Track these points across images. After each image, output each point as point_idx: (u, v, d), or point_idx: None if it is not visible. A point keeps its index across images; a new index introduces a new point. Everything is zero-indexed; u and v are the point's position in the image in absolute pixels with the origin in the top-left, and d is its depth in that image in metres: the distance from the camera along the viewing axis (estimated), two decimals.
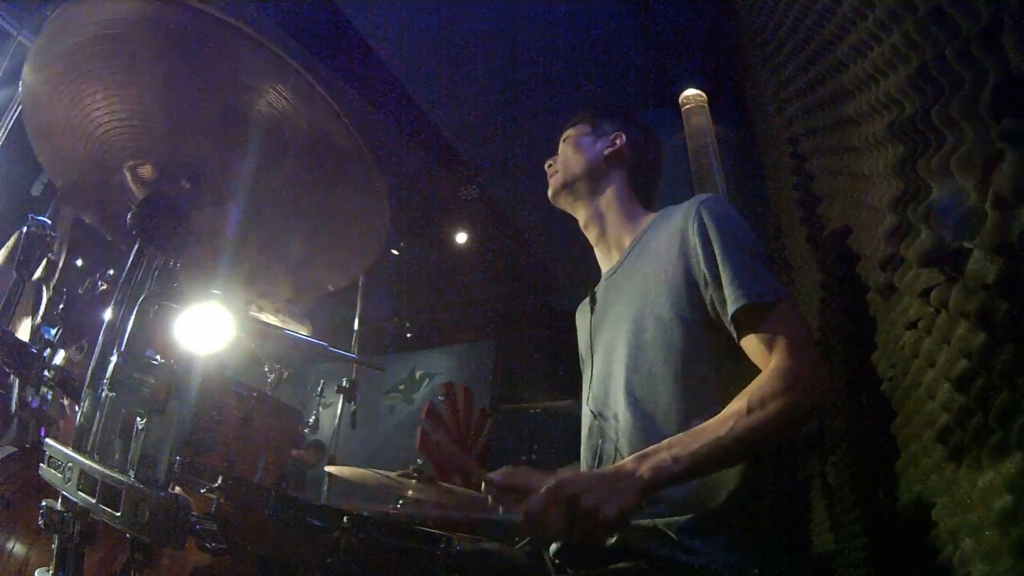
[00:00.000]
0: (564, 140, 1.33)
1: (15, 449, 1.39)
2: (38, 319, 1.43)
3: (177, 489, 0.86)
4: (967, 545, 0.66)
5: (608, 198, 1.25)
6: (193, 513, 0.71)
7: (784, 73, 1.54)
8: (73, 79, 0.76)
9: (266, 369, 2.54)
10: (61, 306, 1.42)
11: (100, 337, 0.78)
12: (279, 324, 2.39)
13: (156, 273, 0.79)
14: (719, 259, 0.96)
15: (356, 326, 2.94)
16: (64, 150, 0.87)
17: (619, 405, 1.04)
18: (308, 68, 0.72)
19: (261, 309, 2.38)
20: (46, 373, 1.34)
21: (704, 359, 0.98)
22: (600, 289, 1.25)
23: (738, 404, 0.85)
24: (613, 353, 1.11)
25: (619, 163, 1.27)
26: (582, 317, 1.31)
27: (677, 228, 1.05)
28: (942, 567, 0.72)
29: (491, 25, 3.29)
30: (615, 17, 3.18)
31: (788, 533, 1.38)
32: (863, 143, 0.97)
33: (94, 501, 0.61)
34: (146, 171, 0.84)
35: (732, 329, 0.94)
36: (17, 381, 1.40)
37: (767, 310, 0.91)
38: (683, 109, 2.81)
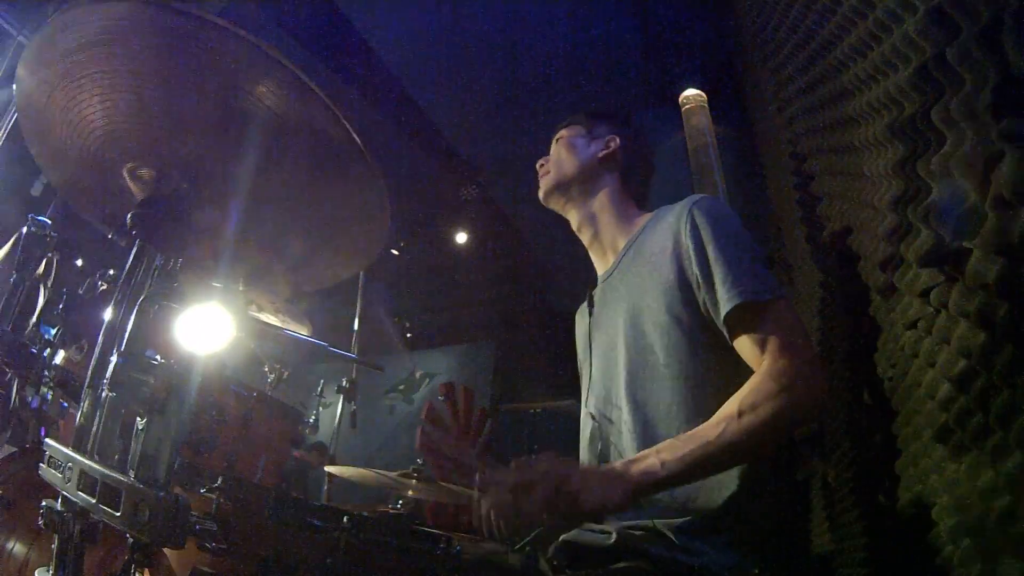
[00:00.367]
0: (557, 140, 1.32)
1: (15, 449, 1.39)
2: (33, 318, 1.43)
3: (177, 489, 0.86)
4: (967, 545, 0.66)
5: (601, 200, 1.24)
6: (193, 513, 0.72)
7: (784, 73, 1.54)
8: (70, 82, 0.76)
9: (266, 369, 2.54)
10: (61, 306, 1.42)
11: (100, 337, 0.78)
12: (279, 324, 2.39)
13: (156, 273, 0.79)
14: (711, 260, 0.96)
15: (356, 326, 2.94)
16: (61, 151, 0.87)
17: (621, 409, 1.04)
18: (308, 68, 0.72)
19: (261, 309, 2.38)
20: (46, 373, 1.35)
21: (704, 360, 0.97)
22: (597, 292, 1.24)
23: (729, 408, 0.85)
24: (612, 356, 1.10)
25: (612, 166, 1.26)
26: (580, 320, 1.31)
27: (670, 229, 1.05)
28: (942, 567, 0.72)
29: (491, 25, 3.29)
30: (615, 17, 3.18)
31: (788, 533, 1.38)
32: (863, 143, 0.97)
33: (94, 501, 0.61)
34: (145, 172, 0.84)
35: (725, 330, 0.93)
36: (17, 381, 1.40)
37: (759, 310, 0.90)
38: (683, 109, 2.82)
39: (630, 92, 3.49)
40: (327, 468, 1.97)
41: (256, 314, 2.30)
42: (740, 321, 0.91)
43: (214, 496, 0.82)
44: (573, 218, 1.28)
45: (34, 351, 1.36)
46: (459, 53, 3.45)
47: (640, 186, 1.30)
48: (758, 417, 0.82)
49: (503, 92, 3.66)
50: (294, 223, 0.96)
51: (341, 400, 2.75)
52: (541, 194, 1.29)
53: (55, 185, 0.98)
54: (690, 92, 2.81)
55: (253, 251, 0.98)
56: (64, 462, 0.66)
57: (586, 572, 0.95)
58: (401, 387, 6.13)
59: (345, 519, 0.84)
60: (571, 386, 1.37)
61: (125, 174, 0.85)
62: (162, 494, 0.58)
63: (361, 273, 2.87)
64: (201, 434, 1.46)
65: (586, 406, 1.16)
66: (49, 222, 1.47)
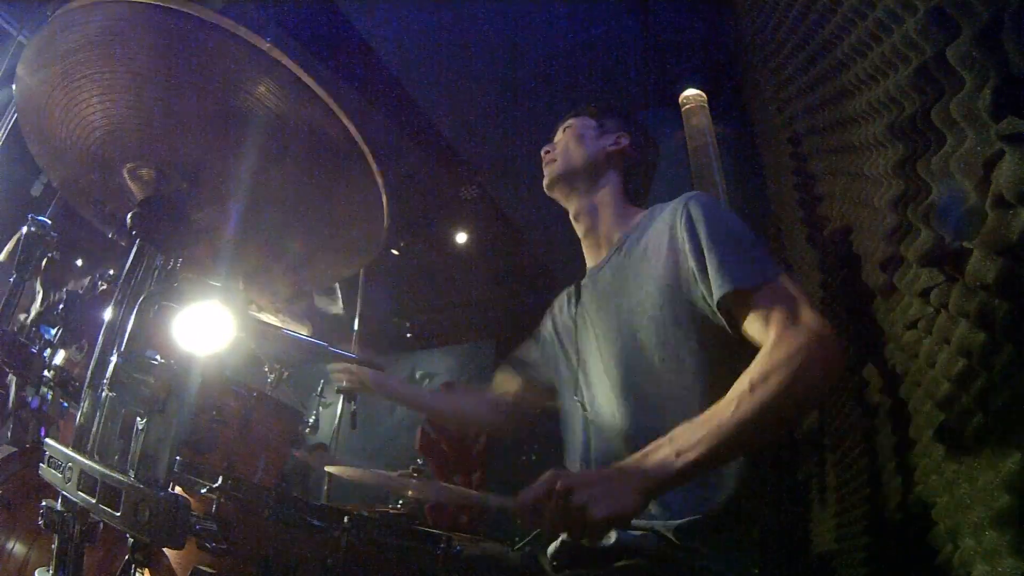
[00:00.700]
0: (565, 129, 1.31)
1: (15, 449, 1.39)
2: (31, 318, 1.43)
3: (177, 489, 0.86)
4: (967, 545, 0.66)
5: (603, 195, 1.24)
6: (193, 513, 0.71)
7: (784, 73, 1.54)
8: (70, 81, 0.76)
9: (266, 369, 2.54)
10: (61, 306, 1.42)
11: (100, 337, 0.78)
12: (279, 324, 2.39)
13: (156, 273, 0.79)
14: (706, 251, 0.95)
15: (356, 326, 2.94)
16: (61, 150, 0.87)
17: (615, 403, 1.04)
18: (308, 68, 0.72)
19: (261, 309, 2.38)
20: (46, 373, 1.35)
21: (699, 355, 0.97)
22: (586, 284, 1.24)
23: (740, 385, 0.80)
24: (605, 350, 1.10)
25: (619, 163, 1.26)
26: (561, 310, 1.31)
27: (666, 225, 1.05)
28: (942, 567, 0.72)
29: (491, 25, 3.29)
30: (615, 17, 3.18)
31: (788, 533, 1.38)
32: (863, 143, 0.97)
33: (94, 501, 0.61)
34: (145, 172, 0.84)
35: (724, 320, 0.92)
36: (17, 381, 1.40)
37: (757, 292, 0.89)
38: (683, 109, 2.81)
39: (630, 92, 3.48)
40: (327, 468, 1.97)
41: (256, 314, 2.30)
42: (739, 306, 0.90)
43: (214, 496, 0.82)
44: (572, 207, 1.28)
45: (34, 351, 1.36)
46: (459, 53, 3.45)
47: (641, 186, 1.30)
48: (771, 388, 0.78)
49: (503, 92, 3.66)
50: (294, 223, 0.96)
51: (341, 400, 2.75)
52: (546, 182, 1.29)
53: (55, 184, 0.98)
54: (690, 92, 2.81)
55: (253, 251, 0.98)
56: (64, 462, 0.66)
57: (586, 571, 0.95)
58: None
59: (345, 519, 0.84)
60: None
61: (125, 174, 0.85)
62: (162, 494, 0.58)
63: (361, 273, 2.87)
64: (201, 434, 1.46)
65: (575, 396, 1.15)
66: (49, 222, 1.47)
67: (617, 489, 0.75)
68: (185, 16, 0.68)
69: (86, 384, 0.74)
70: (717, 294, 0.90)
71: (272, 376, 2.52)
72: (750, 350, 0.95)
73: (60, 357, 1.42)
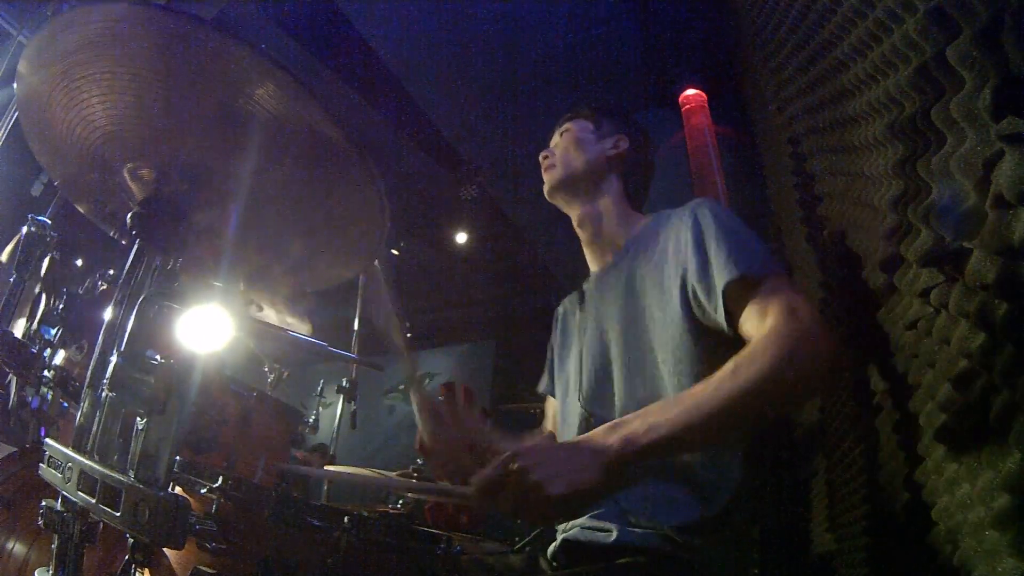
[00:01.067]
0: (563, 133, 1.30)
1: (15, 449, 1.39)
2: (36, 320, 1.43)
3: (177, 489, 0.87)
4: (967, 545, 0.66)
5: (606, 200, 1.24)
6: (193, 513, 0.72)
7: (784, 73, 1.54)
8: (70, 82, 0.76)
9: (266, 369, 2.54)
10: (61, 306, 1.42)
11: (100, 337, 0.78)
12: (279, 324, 2.39)
13: (156, 273, 0.79)
14: (708, 247, 0.95)
15: (356, 326, 2.94)
16: (62, 150, 0.87)
17: (616, 406, 1.04)
18: (308, 68, 0.72)
19: (261, 309, 2.38)
20: (46, 373, 1.35)
21: (702, 361, 0.97)
22: (590, 288, 1.24)
23: (725, 366, 0.79)
24: (608, 353, 1.10)
25: (619, 166, 1.25)
26: (567, 313, 1.31)
27: (673, 231, 1.05)
28: (942, 567, 0.72)
29: (491, 25, 3.29)
30: (615, 17, 3.18)
31: (788, 533, 1.38)
32: (863, 143, 0.97)
33: (94, 501, 0.61)
34: (145, 172, 0.84)
35: (723, 318, 0.91)
36: (17, 381, 1.40)
37: (756, 283, 0.88)
38: (683, 109, 2.82)
39: (630, 92, 3.49)
40: (327, 468, 1.98)
41: (256, 314, 2.30)
42: (742, 295, 0.89)
43: (214, 496, 0.82)
44: (575, 214, 1.26)
45: (34, 351, 1.36)
46: (459, 53, 3.45)
47: (641, 188, 1.30)
48: (754, 372, 0.75)
49: (503, 92, 3.66)
50: (294, 224, 0.96)
51: (341, 400, 2.75)
52: (547, 189, 1.27)
53: (56, 183, 0.98)
54: (690, 92, 2.81)
55: (253, 251, 0.98)
56: (64, 462, 0.66)
57: (586, 569, 0.95)
58: (401, 387, 6.13)
59: (345, 519, 0.84)
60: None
61: (126, 174, 0.85)
62: (162, 494, 0.58)
63: (361, 273, 2.87)
64: (201, 434, 1.46)
65: (577, 400, 1.15)
66: (49, 222, 1.47)
67: (577, 464, 0.70)
68: (184, 17, 0.68)
69: (86, 384, 0.74)
70: (722, 281, 0.89)
71: (272, 376, 2.52)
72: None
73: (60, 357, 1.42)
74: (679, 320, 0.99)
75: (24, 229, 1.44)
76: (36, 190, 2.96)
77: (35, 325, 1.41)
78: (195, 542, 0.77)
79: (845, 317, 1.18)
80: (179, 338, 0.72)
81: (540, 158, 1.30)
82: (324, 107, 0.75)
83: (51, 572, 0.68)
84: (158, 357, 0.69)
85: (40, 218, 1.46)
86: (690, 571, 0.88)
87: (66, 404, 1.46)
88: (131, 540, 0.65)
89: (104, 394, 0.68)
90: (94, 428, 0.70)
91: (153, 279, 0.79)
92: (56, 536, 0.68)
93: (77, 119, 0.81)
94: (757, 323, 0.86)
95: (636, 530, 0.92)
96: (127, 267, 0.79)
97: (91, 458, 0.66)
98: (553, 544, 1.03)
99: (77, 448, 0.69)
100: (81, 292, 1.52)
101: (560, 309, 1.35)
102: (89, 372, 0.75)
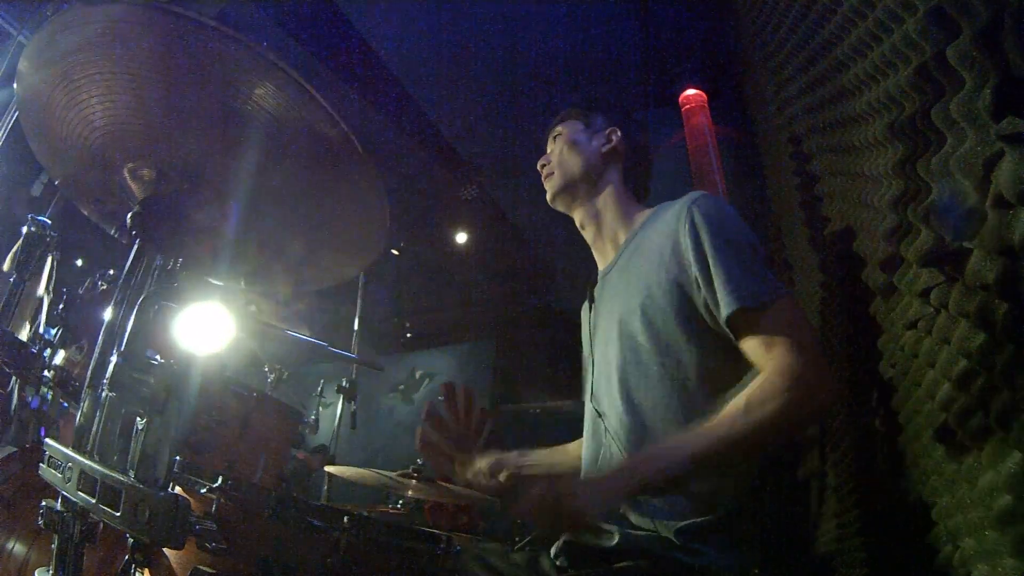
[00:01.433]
0: (555, 138, 1.29)
1: (15, 449, 1.39)
2: (36, 320, 1.43)
3: (177, 489, 0.87)
4: (967, 545, 0.66)
5: (605, 197, 1.23)
6: (193, 513, 0.71)
7: (784, 73, 1.54)
8: (70, 82, 0.76)
9: (266, 369, 2.54)
10: (61, 306, 1.42)
11: (100, 337, 0.78)
12: (279, 324, 2.39)
13: (156, 273, 0.79)
14: (711, 261, 0.94)
15: (356, 326, 2.94)
16: (62, 150, 0.87)
17: (615, 405, 1.04)
18: (308, 68, 0.72)
19: (261, 309, 2.38)
20: (46, 373, 1.35)
21: (698, 360, 0.97)
22: (597, 288, 1.24)
23: (736, 404, 0.83)
24: (609, 353, 1.10)
25: (616, 159, 1.24)
26: (585, 315, 1.31)
27: (670, 228, 1.04)
28: (942, 567, 0.72)
29: (491, 25, 3.29)
30: (615, 17, 3.18)
31: (788, 533, 1.38)
32: (863, 143, 0.97)
33: (94, 501, 0.61)
34: (146, 172, 0.84)
35: (729, 332, 0.92)
36: (17, 381, 1.40)
37: (762, 311, 0.89)
38: (683, 109, 2.82)
39: (630, 92, 3.48)
40: (327, 468, 1.97)
41: (256, 314, 2.30)
42: (743, 323, 0.90)
43: (214, 496, 0.82)
44: (577, 216, 1.26)
45: (34, 351, 1.36)
46: (459, 53, 3.45)
47: (642, 179, 1.28)
48: (766, 413, 0.81)
49: (503, 92, 3.66)
50: (294, 223, 0.96)
51: (341, 400, 2.75)
52: (548, 197, 1.27)
53: (56, 182, 0.98)
54: (690, 92, 2.81)
55: (253, 251, 0.98)
56: (64, 462, 0.66)
57: (588, 572, 0.95)
58: (401, 387, 6.13)
59: (345, 519, 0.84)
60: (571, 386, 1.37)
61: (126, 174, 0.85)
62: (162, 494, 0.58)
63: (361, 273, 2.87)
64: (201, 434, 1.46)
65: (590, 400, 1.16)
66: (49, 222, 1.47)
67: (604, 491, 0.82)
68: (184, 17, 0.68)
69: (86, 384, 0.74)
70: (724, 312, 0.91)
71: (272, 376, 2.52)
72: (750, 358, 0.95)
73: (60, 357, 1.42)
74: (676, 322, 0.98)
75: (24, 229, 1.44)
76: (36, 190, 2.96)
77: (35, 325, 1.41)
78: (195, 542, 0.77)
79: (845, 317, 1.18)
80: (179, 338, 0.72)
81: (538, 167, 1.29)
82: (324, 107, 0.75)
83: (51, 572, 0.68)
84: (158, 357, 0.69)
85: (40, 218, 1.46)
86: (690, 573, 0.88)
87: (66, 404, 1.46)
88: (131, 540, 0.65)
89: (104, 394, 0.68)
90: (94, 428, 0.70)
91: (153, 279, 0.79)
92: (56, 536, 0.68)
93: (77, 119, 0.81)
94: (761, 352, 0.88)
95: (638, 533, 0.92)
96: (127, 267, 0.79)
97: (91, 458, 0.66)
98: (555, 544, 1.03)
99: (77, 448, 0.69)
100: (81, 292, 1.52)
101: (582, 311, 1.35)
102: (89, 372, 0.75)
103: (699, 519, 0.90)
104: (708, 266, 0.95)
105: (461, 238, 4.95)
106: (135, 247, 0.80)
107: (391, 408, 6.07)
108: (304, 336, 2.13)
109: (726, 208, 1.03)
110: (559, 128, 1.30)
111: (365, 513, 0.89)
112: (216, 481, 0.83)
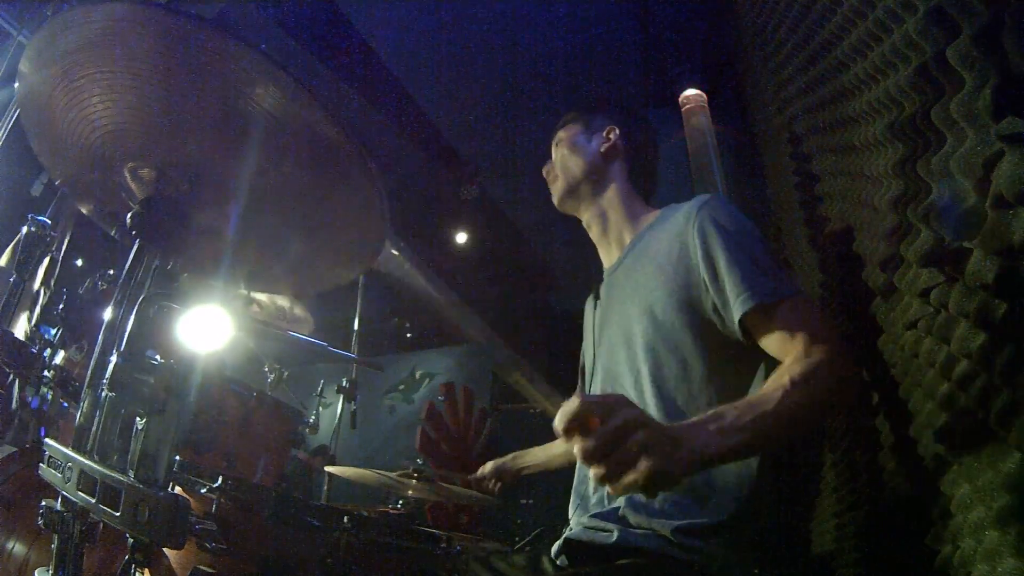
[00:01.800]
0: (557, 144, 1.31)
1: (15, 449, 1.39)
2: (35, 320, 1.43)
3: (177, 489, 0.87)
4: (967, 545, 0.66)
5: (610, 195, 1.24)
6: (193, 513, 0.72)
7: (784, 73, 1.54)
8: (70, 81, 0.76)
9: (266, 369, 2.54)
10: (61, 306, 1.42)
11: (100, 337, 0.78)
12: (279, 324, 2.39)
13: (156, 273, 0.79)
14: (722, 263, 0.95)
15: (356, 326, 2.94)
16: (63, 149, 0.87)
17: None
18: (308, 68, 0.72)
19: (261, 309, 2.38)
20: (46, 373, 1.35)
21: (703, 363, 0.97)
22: (602, 286, 1.24)
23: (780, 380, 0.80)
24: (616, 354, 1.10)
25: (617, 157, 1.25)
26: (588, 312, 1.31)
27: (678, 230, 1.04)
28: (942, 567, 0.72)
29: (491, 25, 3.29)
30: (615, 17, 3.18)
31: (788, 533, 1.38)
32: (863, 143, 0.97)
33: (94, 501, 0.61)
34: (146, 172, 0.84)
35: (740, 333, 0.92)
36: (17, 381, 1.40)
37: (780, 306, 0.89)
38: (683, 109, 2.82)
39: (630, 92, 3.49)
40: (327, 468, 1.98)
41: (256, 314, 2.30)
42: (762, 320, 0.90)
43: (214, 496, 0.82)
44: (584, 217, 1.27)
45: (34, 351, 1.36)
46: (459, 53, 3.45)
47: (646, 175, 1.28)
48: (809, 389, 0.79)
49: (503, 92, 3.66)
50: (294, 224, 0.96)
51: (341, 400, 2.75)
52: (555, 202, 1.29)
53: (57, 182, 0.98)
54: (690, 92, 2.82)
55: (253, 252, 0.98)
56: (64, 462, 0.66)
57: (587, 570, 0.95)
58: (401, 387, 6.13)
59: (345, 519, 0.84)
60: (571, 386, 1.37)
61: (126, 174, 0.85)
62: (162, 494, 0.58)
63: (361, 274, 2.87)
64: (201, 434, 1.46)
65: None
66: (49, 222, 1.47)
67: (678, 449, 0.66)
68: (184, 17, 0.68)
69: (86, 384, 0.74)
70: (740, 310, 0.90)
71: (272, 376, 2.52)
72: (755, 358, 0.95)
73: (60, 357, 1.42)
74: (683, 323, 0.99)
75: (24, 229, 1.44)
76: (36, 190, 2.96)
77: (31, 322, 1.41)
78: (195, 542, 0.77)
79: (845, 317, 1.18)
80: (179, 338, 0.72)
81: (543, 173, 1.31)
82: (324, 107, 0.75)
83: (51, 572, 0.68)
84: (158, 357, 0.69)
85: (40, 218, 1.46)
86: (689, 572, 0.88)
87: (66, 404, 1.46)
88: (131, 540, 0.65)
89: (104, 394, 0.68)
90: (94, 428, 0.70)
91: (153, 279, 0.79)
92: (56, 536, 0.68)
93: (78, 119, 0.81)
94: (783, 344, 0.88)
95: (637, 531, 0.93)
96: (127, 267, 0.79)
97: (91, 458, 0.66)
98: (556, 543, 1.03)
99: (77, 448, 0.69)
100: (81, 292, 1.52)
101: (585, 309, 1.35)
102: (89, 372, 0.75)
103: (698, 518, 0.90)
104: (717, 268, 0.95)
105: (461, 238, 4.96)
106: (135, 247, 0.80)
107: (391, 408, 6.07)
108: (304, 336, 2.13)
109: (735, 211, 1.03)
110: (559, 134, 1.31)
111: (365, 513, 0.89)
112: (216, 481, 0.83)
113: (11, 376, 1.39)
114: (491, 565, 1.02)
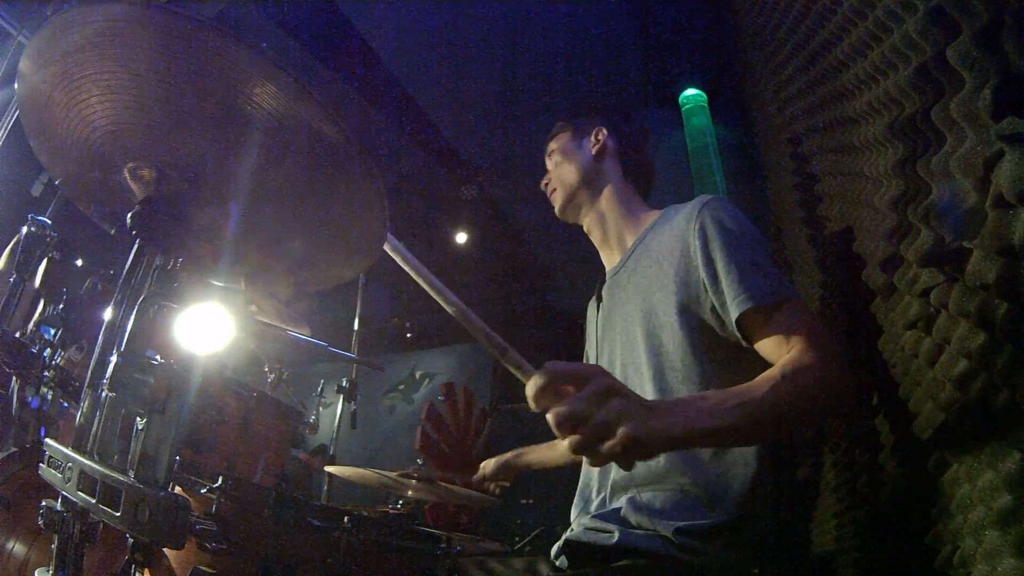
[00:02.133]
0: (550, 155, 1.32)
1: (15, 449, 1.39)
2: (35, 320, 1.43)
3: (177, 489, 0.87)
4: (967, 545, 0.66)
5: (607, 196, 1.24)
6: (193, 513, 0.72)
7: (784, 73, 1.54)
8: (70, 81, 0.76)
9: (266, 369, 2.54)
10: (61, 306, 1.42)
11: (100, 337, 0.78)
12: (279, 324, 2.39)
13: (156, 273, 0.79)
14: (721, 263, 0.95)
15: (356, 326, 2.94)
16: (63, 149, 0.87)
17: None
18: (308, 68, 0.72)
19: (261, 309, 2.38)
20: (46, 373, 1.35)
21: (708, 365, 0.97)
22: (605, 288, 1.25)
23: (771, 372, 0.80)
24: (617, 356, 1.11)
25: (609, 156, 1.26)
26: (590, 315, 1.31)
27: (679, 231, 1.04)
28: (942, 567, 0.72)
29: (491, 25, 3.29)
30: (615, 17, 3.18)
31: (788, 533, 1.38)
32: (863, 143, 0.98)
33: (94, 501, 0.61)
34: (146, 172, 0.84)
35: (739, 334, 0.92)
36: (17, 381, 1.40)
37: (777, 309, 0.89)
38: (683, 109, 2.82)
39: (630, 92, 3.49)
40: (327, 468, 1.98)
41: (256, 314, 2.30)
42: (759, 321, 0.90)
43: (214, 496, 0.82)
44: (586, 223, 1.28)
45: (34, 351, 1.36)
46: (459, 53, 3.45)
47: (642, 171, 1.29)
48: (800, 384, 0.78)
49: (503, 92, 3.66)
50: (294, 223, 0.96)
51: (341, 400, 2.75)
52: (557, 213, 1.30)
53: (57, 181, 0.98)
54: (690, 92, 2.82)
55: (253, 251, 0.98)
56: (64, 462, 0.66)
57: (587, 571, 0.95)
58: (401, 387, 6.13)
59: (345, 519, 0.84)
60: None
61: (126, 173, 0.85)
62: (162, 494, 0.58)
63: (361, 273, 2.87)
64: (201, 434, 1.46)
65: None
66: (49, 222, 1.47)
67: (654, 418, 0.65)
68: (184, 17, 0.68)
69: (86, 384, 0.74)
70: (736, 311, 0.90)
71: (272, 376, 2.52)
72: (756, 360, 0.95)
73: (60, 357, 1.42)
74: (684, 325, 0.99)
75: (24, 229, 1.44)
76: (36, 190, 2.97)
77: (30, 321, 1.41)
78: (195, 542, 0.77)
79: (845, 317, 1.18)
80: (179, 338, 0.72)
81: (542, 186, 1.32)
82: (324, 107, 0.75)
83: (51, 572, 0.68)
84: (158, 357, 0.69)
85: (40, 218, 1.46)
86: (690, 573, 0.88)
87: (66, 404, 1.46)
88: (131, 540, 0.65)
89: (104, 394, 0.68)
90: (94, 428, 0.70)
91: (153, 279, 0.79)
92: (56, 536, 0.68)
93: (78, 119, 0.81)
94: (778, 346, 0.87)
95: (637, 532, 0.92)
96: (127, 267, 0.79)
97: (91, 458, 0.66)
98: (556, 544, 1.03)
99: (77, 448, 0.69)
100: (81, 292, 1.52)
101: (588, 311, 1.35)
102: (89, 372, 0.75)
103: (698, 519, 0.90)
104: (716, 268, 0.95)
105: (461, 238, 4.96)
106: (135, 247, 0.80)
107: (391, 408, 6.08)
108: (304, 336, 2.13)
109: (737, 212, 1.03)
110: (551, 145, 1.33)
111: (365, 513, 0.89)
112: (216, 481, 0.83)
113: (11, 376, 1.39)
114: (491, 566, 1.02)
